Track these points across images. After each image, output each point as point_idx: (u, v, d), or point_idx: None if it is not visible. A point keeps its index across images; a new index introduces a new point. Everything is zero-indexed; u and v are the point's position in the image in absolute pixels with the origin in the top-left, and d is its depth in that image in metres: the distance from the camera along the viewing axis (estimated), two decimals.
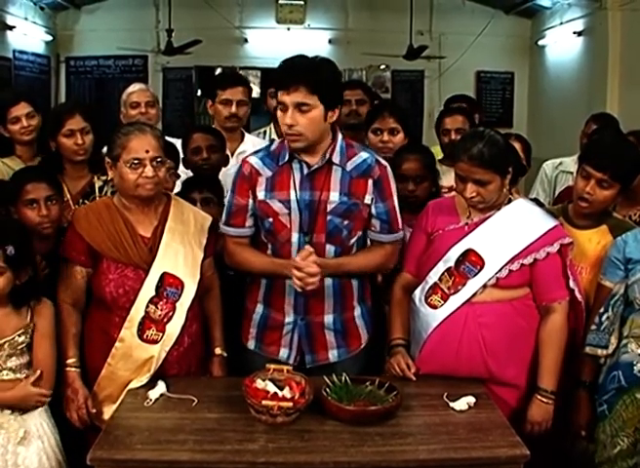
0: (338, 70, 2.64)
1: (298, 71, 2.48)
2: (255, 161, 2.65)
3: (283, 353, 2.72)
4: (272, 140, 4.08)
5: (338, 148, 2.61)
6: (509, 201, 2.66)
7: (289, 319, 2.68)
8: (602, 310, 2.57)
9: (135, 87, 4.07)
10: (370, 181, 2.62)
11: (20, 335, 2.44)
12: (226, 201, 2.75)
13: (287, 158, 2.60)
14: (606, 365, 2.57)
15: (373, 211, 2.65)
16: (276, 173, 2.62)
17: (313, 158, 2.59)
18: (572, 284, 2.62)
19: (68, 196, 3.09)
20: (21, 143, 3.34)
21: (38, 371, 2.44)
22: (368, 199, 2.63)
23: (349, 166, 2.61)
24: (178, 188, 3.24)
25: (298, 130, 2.49)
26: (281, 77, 2.50)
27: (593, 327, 2.59)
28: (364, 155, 2.66)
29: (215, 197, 3.13)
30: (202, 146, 3.44)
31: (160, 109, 4.27)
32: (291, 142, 2.54)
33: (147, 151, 2.55)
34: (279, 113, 2.52)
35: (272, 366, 2.43)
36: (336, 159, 2.60)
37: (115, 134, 2.61)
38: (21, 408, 2.44)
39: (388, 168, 2.69)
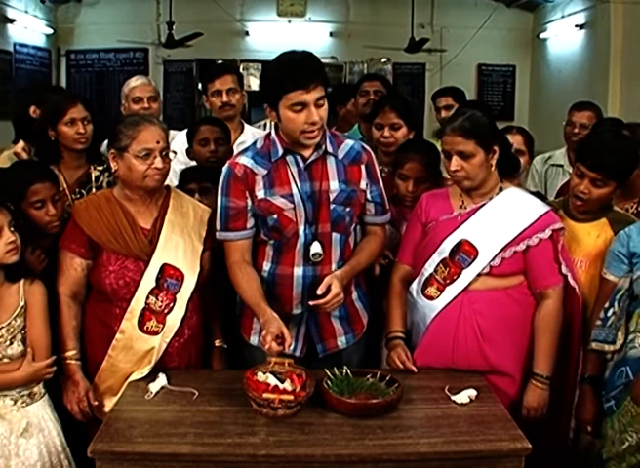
0: None
1: (312, 69, 2.47)
2: (246, 161, 2.61)
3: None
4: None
5: (327, 138, 2.63)
6: (500, 190, 2.68)
7: (297, 311, 2.68)
8: (607, 305, 2.54)
9: (137, 81, 4.00)
10: (362, 167, 2.67)
11: (15, 318, 2.44)
12: (219, 206, 2.64)
13: (281, 153, 2.58)
14: (613, 360, 2.51)
15: (368, 195, 2.70)
16: (271, 169, 2.59)
17: (307, 150, 2.59)
18: (564, 270, 2.63)
19: (65, 185, 3.09)
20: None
21: (29, 350, 2.44)
22: (363, 184, 2.67)
23: (340, 154, 2.65)
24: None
25: (320, 125, 2.48)
26: (299, 78, 2.41)
27: (598, 322, 2.54)
28: (350, 142, 2.71)
29: (213, 187, 3.12)
30: (210, 138, 3.43)
31: (161, 102, 4.24)
32: (310, 139, 2.50)
33: (158, 142, 2.55)
34: (292, 115, 2.44)
35: (273, 359, 2.43)
36: (329, 148, 2.63)
37: (122, 124, 2.59)
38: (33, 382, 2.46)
39: (372, 152, 2.76)
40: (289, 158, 2.60)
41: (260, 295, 2.55)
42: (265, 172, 2.59)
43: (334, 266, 2.65)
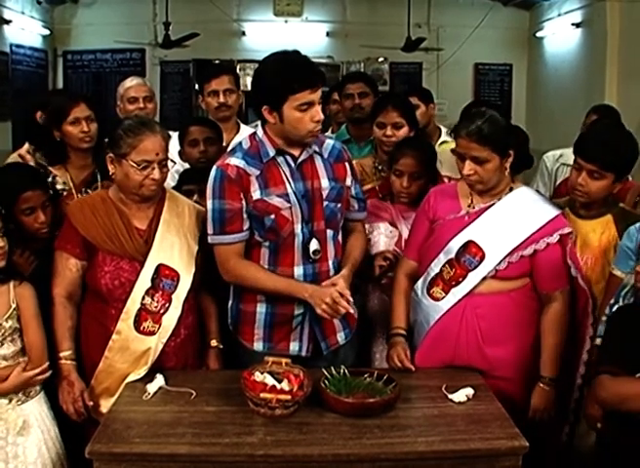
0: None
1: (316, 68, 2.53)
2: (238, 162, 2.58)
3: (294, 347, 2.71)
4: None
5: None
6: (511, 189, 2.66)
7: (298, 311, 2.67)
8: (612, 302, 2.51)
9: (132, 81, 4.03)
10: (347, 165, 2.75)
11: (6, 321, 2.44)
12: (211, 209, 2.60)
13: (272, 154, 2.59)
14: None
15: (352, 192, 2.78)
16: (263, 170, 2.59)
17: (296, 150, 2.61)
18: (574, 272, 2.62)
19: (71, 185, 3.11)
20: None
21: (20, 362, 2.45)
22: (348, 181, 2.74)
23: (325, 152, 2.69)
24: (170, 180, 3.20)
25: (320, 123, 2.53)
26: (307, 78, 2.45)
27: (604, 318, 2.52)
28: (330, 141, 2.78)
29: None
30: (199, 139, 3.44)
31: (157, 102, 4.25)
32: (311, 137, 2.56)
33: (157, 154, 2.54)
34: (300, 114, 2.46)
35: (271, 358, 2.43)
36: (316, 148, 2.66)
37: (122, 130, 2.56)
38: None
39: (348, 150, 2.84)
40: (279, 158, 2.60)
41: (281, 277, 2.60)
42: (258, 172, 2.58)
43: (330, 262, 2.67)
